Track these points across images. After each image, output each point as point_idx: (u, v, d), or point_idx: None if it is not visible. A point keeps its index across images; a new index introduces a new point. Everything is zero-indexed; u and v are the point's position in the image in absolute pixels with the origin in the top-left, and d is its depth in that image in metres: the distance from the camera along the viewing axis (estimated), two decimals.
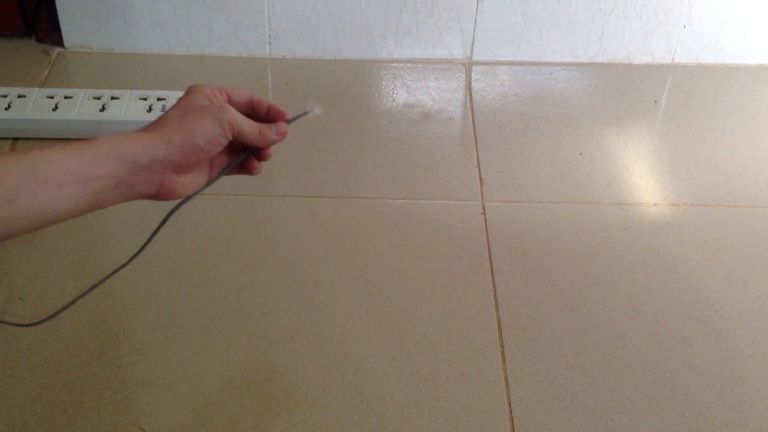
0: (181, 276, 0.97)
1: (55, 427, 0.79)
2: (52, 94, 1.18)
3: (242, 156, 0.65)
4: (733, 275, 0.99)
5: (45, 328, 0.89)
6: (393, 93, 1.30)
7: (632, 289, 0.97)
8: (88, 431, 0.79)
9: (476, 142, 1.20)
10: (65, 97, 1.18)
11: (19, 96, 1.18)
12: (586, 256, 1.01)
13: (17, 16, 1.36)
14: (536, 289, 0.96)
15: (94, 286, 0.65)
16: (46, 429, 0.79)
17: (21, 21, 1.36)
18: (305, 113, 0.69)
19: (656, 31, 1.36)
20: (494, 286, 0.96)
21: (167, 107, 0.62)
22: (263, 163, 0.70)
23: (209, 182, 0.65)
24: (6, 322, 0.88)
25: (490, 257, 1.01)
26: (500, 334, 0.91)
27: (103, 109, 1.17)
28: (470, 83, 1.33)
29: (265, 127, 0.64)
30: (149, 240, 0.65)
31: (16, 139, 1.16)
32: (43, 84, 1.28)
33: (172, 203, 0.63)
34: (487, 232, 1.04)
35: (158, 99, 1.19)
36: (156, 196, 0.60)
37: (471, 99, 1.30)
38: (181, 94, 0.64)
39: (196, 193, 0.63)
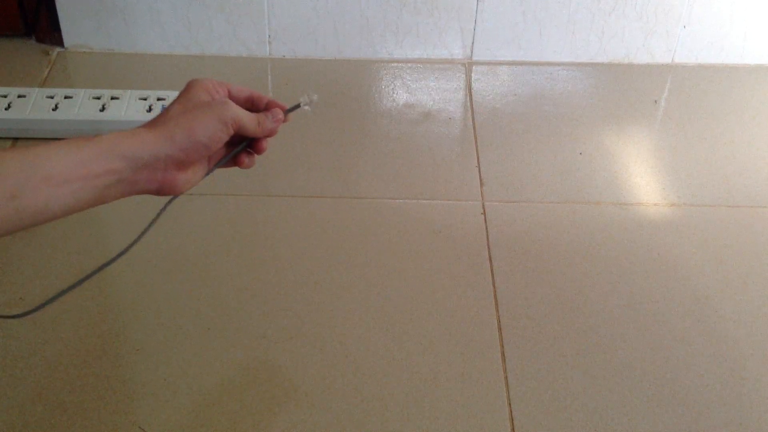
0: (181, 276, 0.97)
1: (55, 427, 0.79)
2: (52, 94, 1.18)
3: (239, 148, 0.65)
4: (733, 275, 0.99)
5: (45, 329, 0.89)
6: (393, 93, 1.30)
7: (632, 289, 0.97)
8: (88, 431, 0.79)
9: (476, 142, 1.20)
10: (65, 97, 1.18)
11: (19, 96, 1.18)
12: (586, 256, 1.01)
13: (17, 16, 1.36)
14: (536, 289, 0.96)
15: (81, 280, 0.64)
16: (46, 429, 0.79)
17: (21, 21, 1.36)
18: (299, 105, 0.69)
19: (656, 31, 1.36)
20: (494, 286, 0.96)
21: (166, 107, 0.62)
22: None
23: (205, 175, 0.65)
24: None
25: (490, 257, 1.01)
26: (500, 334, 0.91)
27: (103, 109, 1.17)
28: (470, 83, 1.33)
29: (262, 116, 0.64)
30: (143, 233, 0.65)
31: (16, 139, 1.17)
32: (43, 84, 1.28)
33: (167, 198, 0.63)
34: (487, 232, 1.04)
35: (158, 99, 1.19)
36: (157, 192, 0.60)
37: (471, 99, 1.30)
38: None
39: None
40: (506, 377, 0.86)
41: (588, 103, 1.30)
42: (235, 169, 0.69)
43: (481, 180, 1.13)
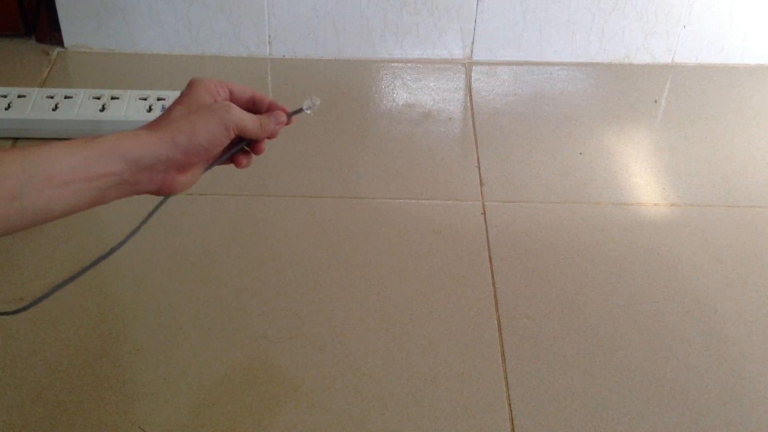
0: (181, 276, 0.97)
1: (55, 427, 0.79)
2: (52, 94, 1.18)
3: (236, 149, 0.65)
4: (733, 275, 0.99)
5: (45, 329, 0.89)
6: (393, 93, 1.30)
7: (632, 289, 0.97)
8: (88, 431, 0.79)
9: (476, 142, 1.20)
10: (65, 97, 1.18)
11: (19, 96, 1.18)
12: (586, 256, 1.01)
13: (17, 16, 1.36)
14: (536, 289, 0.96)
15: (74, 276, 0.65)
16: (46, 429, 0.79)
17: (21, 21, 1.36)
18: (302, 109, 0.69)
19: (656, 31, 1.36)
20: (494, 286, 0.96)
21: (167, 107, 0.62)
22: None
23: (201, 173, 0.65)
24: None
25: (490, 257, 1.01)
26: (500, 334, 0.91)
27: (103, 109, 1.17)
28: (470, 83, 1.33)
29: (264, 118, 0.64)
30: (136, 229, 0.65)
31: (16, 139, 1.17)
32: (43, 84, 1.28)
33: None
34: (487, 232, 1.04)
35: (158, 99, 1.19)
36: (157, 193, 0.60)
37: (471, 99, 1.30)
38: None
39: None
40: (506, 377, 0.86)
41: (588, 103, 1.30)
42: (235, 169, 0.69)
43: (481, 180, 1.13)
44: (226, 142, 0.61)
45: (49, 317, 0.90)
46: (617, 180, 1.14)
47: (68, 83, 1.29)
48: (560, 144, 1.21)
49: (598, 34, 1.36)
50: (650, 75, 1.37)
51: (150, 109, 1.17)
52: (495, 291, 0.96)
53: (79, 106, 1.17)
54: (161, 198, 0.63)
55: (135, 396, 0.82)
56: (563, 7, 1.33)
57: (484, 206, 1.08)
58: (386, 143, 1.19)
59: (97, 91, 1.20)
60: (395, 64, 1.36)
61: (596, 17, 1.34)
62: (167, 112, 0.60)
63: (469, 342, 0.89)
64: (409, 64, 1.37)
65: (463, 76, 1.35)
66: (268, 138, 0.66)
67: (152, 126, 0.58)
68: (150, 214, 0.65)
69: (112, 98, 1.19)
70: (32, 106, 1.16)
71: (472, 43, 1.36)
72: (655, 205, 1.10)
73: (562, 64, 1.38)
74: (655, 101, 1.31)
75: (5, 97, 1.17)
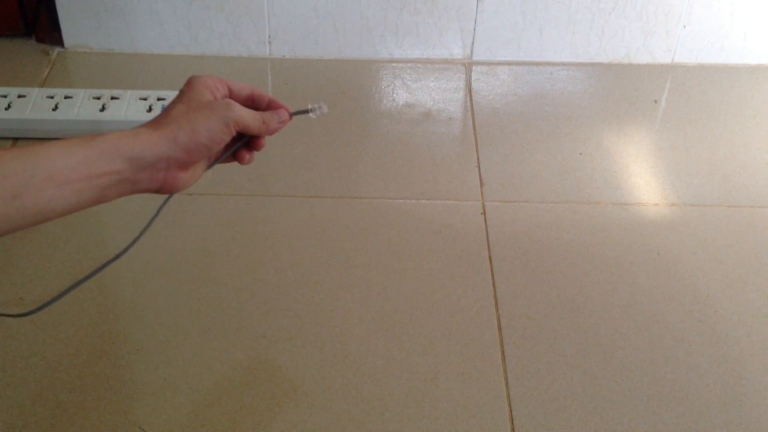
0: (181, 276, 0.97)
1: (55, 427, 0.79)
2: (52, 94, 1.18)
3: (238, 145, 0.65)
4: (733, 275, 0.99)
5: (45, 329, 0.89)
6: (393, 93, 1.30)
7: (632, 289, 0.97)
8: (88, 431, 0.79)
9: (476, 142, 1.20)
10: (65, 97, 1.18)
11: (19, 96, 1.18)
12: (586, 256, 1.01)
13: (17, 16, 1.36)
14: (536, 289, 0.96)
15: (83, 279, 0.65)
16: (46, 429, 0.79)
17: (21, 21, 1.36)
18: (308, 110, 0.69)
19: (656, 31, 1.36)
20: (494, 286, 0.96)
21: (167, 106, 0.62)
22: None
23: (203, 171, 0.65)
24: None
25: (490, 257, 1.01)
26: (500, 334, 0.91)
27: (103, 109, 1.17)
28: (470, 83, 1.33)
29: (267, 115, 0.64)
30: (145, 229, 0.65)
31: (16, 139, 1.17)
32: (43, 84, 1.28)
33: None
34: (487, 232, 1.04)
35: (158, 99, 1.19)
36: (158, 191, 0.60)
37: (471, 99, 1.30)
38: None
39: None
40: (506, 377, 0.86)
41: (588, 103, 1.30)
42: (236, 168, 0.69)
43: (481, 180, 1.13)
44: (228, 139, 0.61)
45: (49, 317, 0.90)
46: (617, 180, 1.14)
47: (68, 83, 1.29)
48: (560, 144, 1.21)
49: (598, 34, 1.36)
50: (650, 75, 1.37)
51: (150, 109, 1.17)
52: (495, 291, 0.96)
53: (79, 106, 1.17)
54: (164, 197, 0.63)
55: (135, 396, 0.82)
56: (563, 7, 1.33)
57: (484, 206, 1.08)
58: (386, 143, 1.19)
59: (97, 91, 1.20)
60: (395, 64, 1.36)
61: (596, 17, 1.34)
62: (167, 110, 0.60)
63: (469, 342, 0.89)
64: (409, 64, 1.37)
65: (463, 76, 1.35)
66: (269, 134, 0.66)
67: (153, 124, 0.58)
68: (156, 213, 0.65)
69: (112, 98, 1.19)
70: (32, 106, 1.16)
71: (472, 43, 1.36)
72: (655, 205, 1.10)
73: (562, 64, 1.38)
74: (655, 101, 1.31)
75: (5, 97, 1.17)
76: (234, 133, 0.61)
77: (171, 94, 1.20)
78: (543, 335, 0.91)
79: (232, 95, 0.64)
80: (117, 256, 0.65)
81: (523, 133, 1.23)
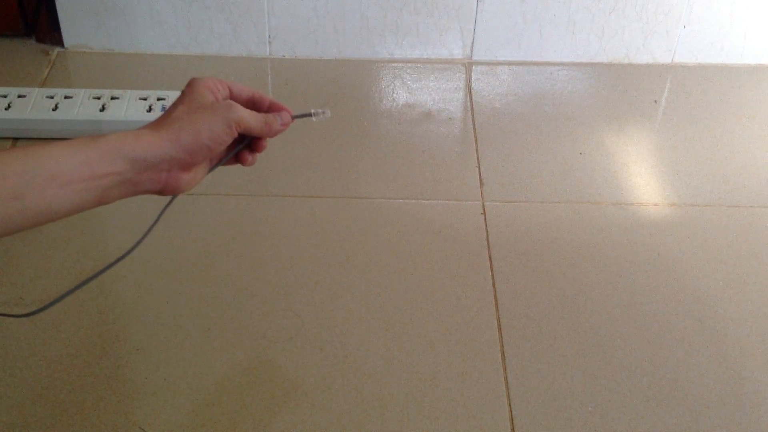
0: (181, 276, 0.97)
1: (55, 427, 0.79)
2: (52, 94, 1.18)
3: (240, 147, 0.65)
4: (733, 275, 0.99)
5: (45, 329, 0.89)
6: (393, 93, 1.30)
7: (632, 289, 0.97)
8: (88, 431, 0.79)
9: (476, 142, 1.20)
10: (65, 97, 1.18)
11: (19, 96, 1.18)
12: (586, 256, 1.01)
13: (17, 16, 1.36)
14: (536, 289, 0.96)
15: (87, 280, 0.65)
16: (46, 429, 0.79)
17: (21, 21, 1.36)
18: (310, 114, 0.69)
19: (656, 31, 1.36)
20: (494, 286, 0.96)
21: (167, 107, 0.62)
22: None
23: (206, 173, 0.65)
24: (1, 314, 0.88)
25: (490, 257, 1.01)
26: (500, 334, 0.91)
27: (103, 109, 1.17)
28: (470, 83, 1.33)
29: (270, 117, 0.64)
30: (145, 235, 0.65)
31: (16, 139, 1.17)
32: (43, 84, 1.28)
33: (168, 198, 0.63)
34: (487, 232, 1.04)
35: (158, 99, 1.19)
36: (160, 192, 0.60)
37: (471, 99, 1.30)
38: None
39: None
40: (506, 377, 0.86)
41: (588, 103, 1.30)
42: (236, 168, 0.69)
43: (481, 180, 1.13)
44: (229, 140, 0.61)
45: (49, 317, 0.90)
46: (617, 180, 1.14)
47: (68, 83, 1.29)
48: (560, 144, 1.21)
49: (598, 34, 1.36)
50: (650, 75, 1.37)
51: (150, 109, 1.17)
52: (495, 291, 0.96)
53: (79, 106, 1.17)
54: (166, 198, 0.63)
55: (135, 396, 0.82)
56: (563, 7, 1.33)
57: (484, 206, 1.08)
58: (386, 143, 1.19)
59: (97, 91, 1.20)
60: (395, 64, 1.36)
61: (596, 17, 1.34)
62: (169, 111, 0.60)
63: (469, 342, 0.89)
64: (409, 64, 1.37)
65: (463, 76, 1.35)
66: (271, 136, 0.66)
67: (155, 125, 0.58)
68: (160, 215, 0.65)
69: (112, 98, 1.19)
70: (32, 106, 1.16)
71: (472, 43, 1.36)
72: (655, 205, 1.10)
73: (562, 64, 1.38)
74: (655, 101, 1.31)
75: (5, 97, 1.17)
76: (236, 134, 0.61)
77: (171, 94, 1.20)
78: (543, 335, 0.91)
79: (232, 97, 0.64)
80: (122, 257, 0.65)
81: (523, 133, 1.23)
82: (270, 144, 0.67)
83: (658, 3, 1.32)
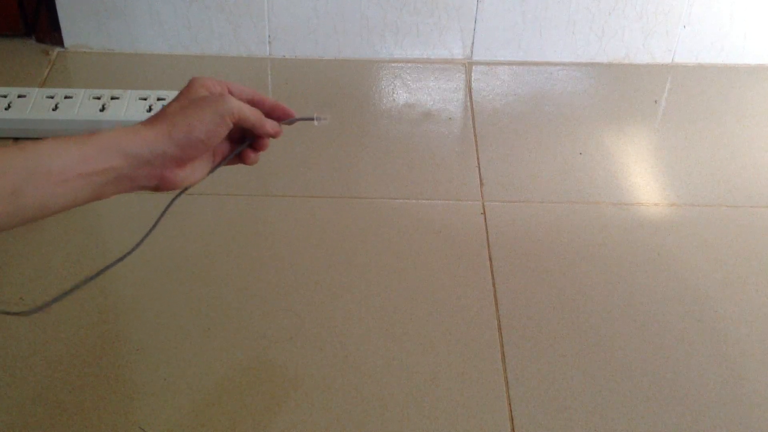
0: (181, 276, 0.97)
1: (55, 427, 0.79)
2: (52, 94, 1.18)
3: (242, 146, 0.65)
4: (733, 275, 0.99)
5: (45, 329, 0.89)
6: (393, 93, 1.30)
7: (632, 289, 0.97)
8: (88, 431, 0.79)
9: (476, 142, 1.20)
10: (65, 97, 1.18)
11: (19, 96, 1.18)
12: (586, 256, 1.01)
13: (17, 16, 1.36)
14: (536, 289, 0.96)
15: (89, 279, 0.64)
16: (46, 429, 0.79)
17: (21, 21, 1.36)
18: (312, 119, 0.69)
19: (656, 31, 1.36)
20: (494, 286, 0.96)
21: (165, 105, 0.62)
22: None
23: (209, 172, 0.65)
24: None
25: (490, 257, 1.01)
26: (500, 334, 0.91)
27: (103, 109, 1.17)
28: (470, 83, 1.33)
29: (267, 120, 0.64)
30: (148, 233, 0.65)
31: (16, 139, 1.17)
32: (43, 84, 1.28)
33: (171, 195, 0.63)
34: (487, 232, 1.04)
35: (158, 99, 1.19)
36: (157, 189, 0.60)
37: (471, 99, 1.30)
38: None
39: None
40: (506, 377, 0.86)
41: (588, 103, 1.30)
42: (236, 169, 0.69)
43: (481, 180, 1.13)
44: (224, 132, 0.60)
45: (49, 317, 0.90)
46: (617, 180, 1.14)
47: (68, 83, 1.29)
48: (560, 144, 1.21)
49: (598, 34, 1.36)
50: (650, 75, 1.37)
51: (150, 109, 1.17)
52: (495, 291, 0.96)
53: (79, 106, 1.17)
54: (169, 196, 0.63)
55: (135, 396, 0.82)
56: (563, 7, 1.33)
57: (484, 206, 1.08)
58: (386, 143, 1.19)
59: (97, 91, 1.20)
60: (395, 64, 1.36)
61: (596, 17, 1.34)
62: (164, 108, 0.60)
63: (469, 342, 0.89)
64: (409, 64, 1.37)
65: (463, 76, 1.35)
66: (272, 137, 0.66)
67: (150, 121, 0.58)
68: (164, 211, 0.65)
69: (112, 98, 1.19)
70: (32, 106, 1.16)
71: (472, 43, 1.36)
72: (655, 205, 1.10)
73: (562, 64, 1.38)
74: (655, 101, 1.31)
75: (5, 97, 1.17)
76: (230, 126, 0.61)
77: (171, 94, 1.20)
78: (543, 335, 0.91)
79: (231, 94, 0.64)
80: (122, 257, 0.65)
81: (523, 133, 1.23)
82: (270, 144, 0.67)
83: (658, 3, 1.32)
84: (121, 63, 1.34)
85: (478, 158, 1.17)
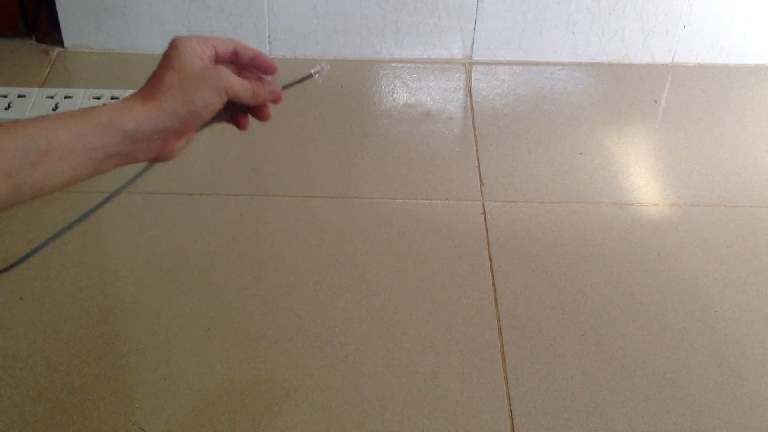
0: (181, 276, 0.97)
1: (55, 427, 0.79)
2: (52, 94, 1.19)
3: (221, 117, 0.64)
4: (733, 275, 0.99)
5: (45, 329, 0.89)
6: (393, 93, 1.30)
7: (632, 289, 0.97)
8: (88, 431, 0.79)
9: (476, 142, 1.20)
10: (65, 97, 1.18)
11: (19, 96, 1.18)
12: (586, 256, 1.01)
13: (17, 16, 1.36)
14: (536, 289, 0.96)
15: (66, 227, 0.63)
16: (46, 429, 0.79)
17: (21, 21, 1.36)
18: (311, 75, 0.68)
19: (656, 31, 1.36)
20: (494, 286, 0.96)
21: (155, 70, 0.61)
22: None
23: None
24: None
25: (490, 257, 1.00)
26: (500, 334, 0.91)
27: None
28: (470, 83, 1.33)
29: (258, 86, 0.64)
30: (128, 183, 0.63)
31: None
32: (43, 84, 1.28)
33: None
34: (487, 232, 1.04)
35: None
36: (154, 160, 0.60)
37: (471, 99, 1.30)
38: None
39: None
40: (506, 377, 0.86)
41: (588, 103, 1.30)
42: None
43: (481, 180, 1.13)
44: (219, 107, 0.61)
45: (49, 317, 0.90)
46: (617, 180, 1.14)
47: (68, 83, 1.29)
48: (560, 144, 1.21)
49: (598, 34, 1.36)
50: (650, 75, 1.37)
51: None
52: (495, 291, 0.96)
53: (79, 106, 1.17)
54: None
55: (135, 396, 0.82)
56: (563, 7, 1.33)
57: (484, 206, 1.08)
58: (386, 143, 1.19)
59: (97, 91, 1.20)
60: (395, 64, 1.36)
61: (596, 17, 1.34)
62: (158, 78, 0.59)
63: (469, 342, 0.89)
64: (409, 64, 1.36)
65: (463, 76, 1.35)
66: (273, 103, 0.65)
67: (145, 95, 0.58)
68: (143, 171, 0.64)
69: (112, 98, 1.19)
70: (32, 106, 1.16)
71: (472, 43, 1.36)
72: (655, 205, 1.10)
73: (562, 64, 1.38)
74: (655, 101, 1.31)
75: (5, 97, 1.17)
76: (225, 101, 0.61)
77: None
78: (543, 335, 0.91)
79: (217, 55, 0.64)
80: (106, 200, 0.63)
81: (523, 133, 1.23)
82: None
83: (658, 3, 1.32)
84: (121, 63, 1.34)
85: (478, 158, 1.17)
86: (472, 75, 1.35)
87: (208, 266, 0.98)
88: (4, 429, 0.79)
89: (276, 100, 0.65)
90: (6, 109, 1.15)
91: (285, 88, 0.66)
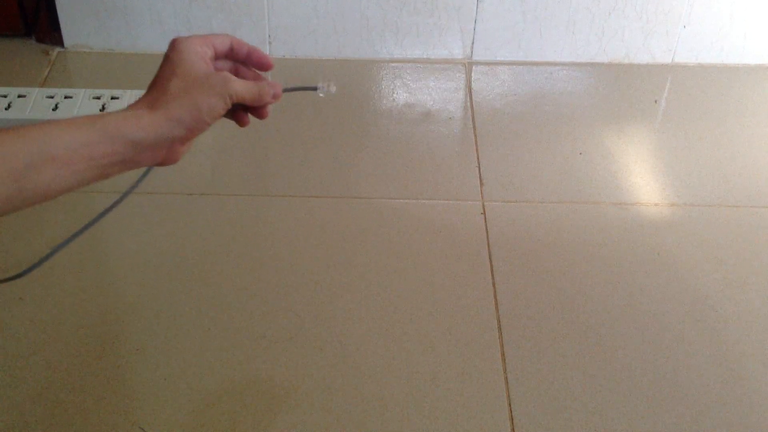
0: (181, 276, 0.97)
1: (55, 427, 0.79)
2: (52, 94, 1.18)
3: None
4: (733, 275, 0.99)
5: (45, 329, 0.89)
6: (393, 93, 1.30)
7: (632, 289, 0.97)
8: (88, 431, 0.79)
9: (476, 142, 1.20)
10: (65, 97, 1.18)
11: (19, 96, 1.18)
12: (586, 256, 1.01)
13: (17, 16, 1.36)
14: (536, 289, 0.96)
15: (76, 234, 0.64)
16: (46, 429, 0.79)
17: (21, 21, 1.36)
18: (315, 88, 0.69)
19: (656, 31, 1.36)
20: (494, 286, 0.96)
21: (158, 75, 0.61)
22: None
23: None
24: None
25: (490, 257, 1.00)
26: (500, 334, 0.91)
27: (103, 109, 1.17)
28: (470, 83, 1.33)
29: (264, 88, 0.64)
30: (136, 185, 0.64)
31: None
32: (43, 84, 1.28)
33: None
34: (487, 232, 1.04)
35: None
36: (159, 165, 0.61)
37: (471, 99, 1.30)
38: None
39: None
40: (506, 377, 0.86)
41: (588, 103, 1.30)
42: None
43: (481, 180, 1.13)
44: (224, 112, 0.61)
45: (50, 317, 0.90)
46: (617, 180, 1.14)
47: (68, 83, 1.29)
48: (560, 144, 1.21)
49: (598, 34, 1.36)
50: (650, 75, 1.37)
51: None
52: (495, 291, 0.96)
53: (79, 106, 1.17)
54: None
55: (135, 396, 0.82)
56: (563, 7, 1.33)
57: (484, 206, 1.08)
58: (386, 143, 1.19)
59: (97, 91, 1.20)
60: (395, 64, 1.36)
61: (596, 17, 1.34)
62: (162, 84, 0.59)
63: (469, 342, 0.89)
64: (409, 64, 1.36)
65: (463, 76, 1.35)
66: (262, 105, 0.66)
67: (151, 103, 0.58)
68: (146, 173, 0.64)
69: (112, 98, 1.19)
70: (32, 106, 1.16)
71: (472, 43, 1.36)
72: (655, 205, 1.10)
73: (562, 64, 1.38)
74: (655, 101, 1.31)
75: (5, 97, 1.17)
76: (230, 106, 0.61)
77: None
78: (543, 335, 0.91)
79: (216, 55, 0.64)
80: (117, 202, 0.64)
81: (523, 133, 1.23)
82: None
83: (658, 3, 1.32)
84: (121, 63, 1.34)
85: (478, 158, 1.17)
86: (472, 75, 1.35)
87: (208, 266, 0.98)
88: (4, 429, 0.79)
89: (274, 98, 0.66)
90: (6, 109, 1.15)
91: (286, 91, 0.66)
